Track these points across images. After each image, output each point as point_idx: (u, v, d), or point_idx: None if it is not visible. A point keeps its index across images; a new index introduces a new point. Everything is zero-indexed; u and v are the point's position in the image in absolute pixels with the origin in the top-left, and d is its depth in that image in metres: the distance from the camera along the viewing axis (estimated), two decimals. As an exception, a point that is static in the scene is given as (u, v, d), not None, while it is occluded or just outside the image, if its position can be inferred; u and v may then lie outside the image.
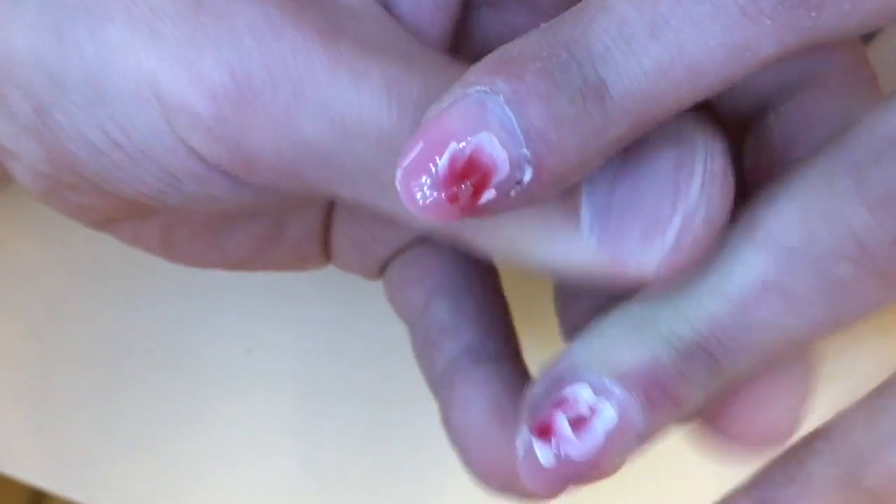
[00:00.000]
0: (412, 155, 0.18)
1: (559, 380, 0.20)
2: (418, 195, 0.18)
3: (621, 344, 0.20)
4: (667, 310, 0.20)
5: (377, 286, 0.27)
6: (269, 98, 0.20)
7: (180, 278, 0.34)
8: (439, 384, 0.25)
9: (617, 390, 0.19)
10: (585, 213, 0.19)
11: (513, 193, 0.18)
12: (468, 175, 0.18)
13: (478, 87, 0.18)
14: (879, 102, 0.20)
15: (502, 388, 0.23)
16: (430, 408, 0.25)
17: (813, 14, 0.18)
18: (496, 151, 0.18)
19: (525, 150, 0.18)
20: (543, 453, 0.19)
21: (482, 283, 0.26)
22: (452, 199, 0.18)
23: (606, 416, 0.19)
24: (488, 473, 0.23)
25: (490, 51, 0.19)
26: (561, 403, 0.19)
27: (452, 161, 0.18)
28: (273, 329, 0.34)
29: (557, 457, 0.19)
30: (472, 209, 0.18)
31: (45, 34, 0.20)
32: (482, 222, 0.19)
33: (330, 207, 0.26)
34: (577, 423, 0.19)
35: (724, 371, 0.20)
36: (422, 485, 0.34)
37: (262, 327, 0.34)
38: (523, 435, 0.20)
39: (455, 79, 0.19)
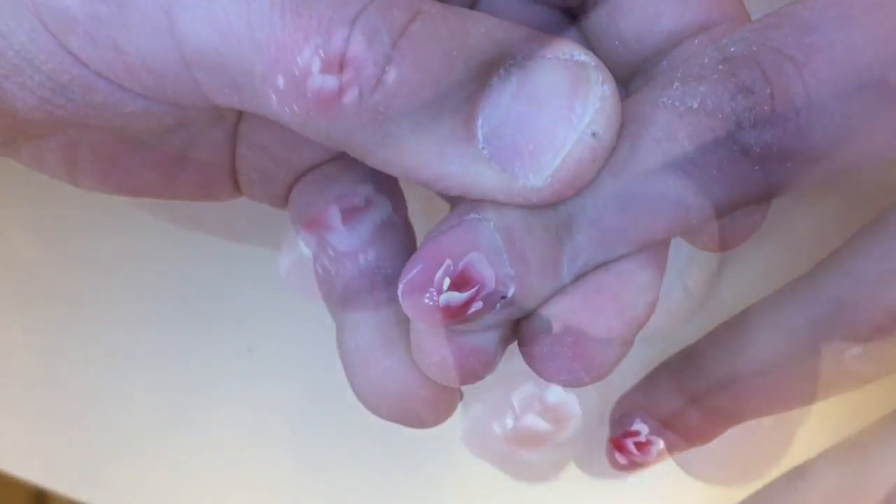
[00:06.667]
0: (412, 273, 0.20)
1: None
2: (417, 306, 0.20)
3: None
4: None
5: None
6: None
7: (181, 277, 0.34)
8: (335, 306, 0.25)
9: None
10: (481, 129, 0.20)
11: (498, 307, 0.21)
12: (459, 288, 0.20)
13: (472, 215, 0.20)
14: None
15: (392, 315, 0.24)
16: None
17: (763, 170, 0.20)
18: (484, 269, 0.20)
19: (510, 269, 0.20)
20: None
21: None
22: (445, 309, 0.20)
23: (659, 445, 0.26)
24: (373, 396, 0.24)
25: None
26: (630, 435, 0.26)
27: (446, 276, 0.20)
28: (274, 328, 0.34)
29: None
30: (461, 316, 0.20)
31: None
32: (379, 136, 0.20)
33: (235, 130, 0.26)
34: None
35: None
36: (422, 479, 0.34)
37: (262, 327, 0.34)
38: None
39: None
